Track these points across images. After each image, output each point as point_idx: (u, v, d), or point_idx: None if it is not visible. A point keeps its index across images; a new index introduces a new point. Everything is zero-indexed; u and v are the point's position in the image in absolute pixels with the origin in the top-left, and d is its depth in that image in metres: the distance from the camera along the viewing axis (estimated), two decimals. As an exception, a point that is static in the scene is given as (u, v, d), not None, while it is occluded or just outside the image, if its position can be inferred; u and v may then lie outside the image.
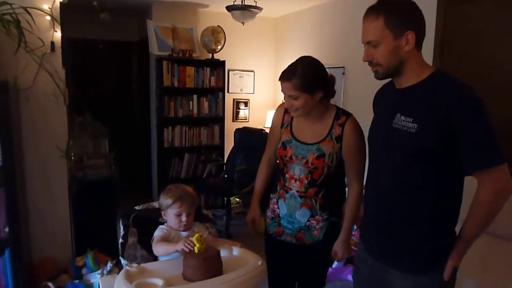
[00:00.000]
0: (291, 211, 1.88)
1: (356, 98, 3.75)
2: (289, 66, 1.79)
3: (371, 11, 1.41)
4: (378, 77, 1.48)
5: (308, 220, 1.86)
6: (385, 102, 1.60)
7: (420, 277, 1.43)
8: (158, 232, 1.79)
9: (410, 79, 1.42)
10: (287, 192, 1.89)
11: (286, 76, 1.77)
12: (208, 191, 4.49)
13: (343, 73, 3.88)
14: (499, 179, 1.30)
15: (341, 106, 3.67)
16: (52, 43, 2.65)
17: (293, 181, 1.86)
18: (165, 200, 1.80)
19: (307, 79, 1.74)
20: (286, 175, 1.89)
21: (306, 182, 1.83)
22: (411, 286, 1.44)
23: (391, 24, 1.36)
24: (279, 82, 1.81)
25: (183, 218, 1.78)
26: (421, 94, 1.39)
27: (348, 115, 1.86)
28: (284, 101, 1.86)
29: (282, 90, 1.81)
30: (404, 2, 1.39)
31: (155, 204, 2.01)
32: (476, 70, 2.80)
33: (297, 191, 1.85)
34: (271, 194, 2.01)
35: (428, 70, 1.42)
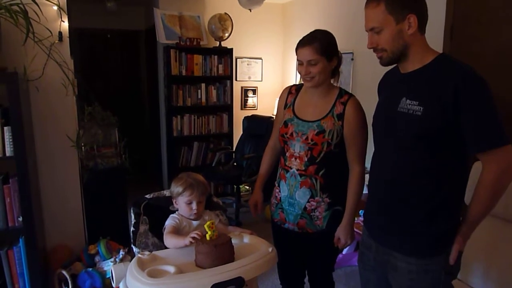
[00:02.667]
0: (291, 192, 1.89)
1: (365, 83, 3.72)
2: (307, 35, 1.82)
3: None
4: (383, 63, 1.49)
5: (308, 201, 1.86)
6: (390, 87, 1.60)
7: (424, 260, 1.44)
8: (169, 222, 1.79)
9: (415, 63, 1.43)
10: (287, 171, 1.91)
11: (307, 41, 1.79)
12: (218, 179, 4.51)
13: (352, 59, 3.84)
14: (503, 160, 1.30)
15: (349, 91, 3.65)
16: (60, 33, 2.65)
17: (293, 159, 1.87)
18: (176, 188, 1.81)
19: (327, 43, 1.79)
20: (287, 154, 1.91)
21: (306, 159, 1.84)
22: (415, 270, 1.45)
23: (392, 9, 1.37)
24: (294, 56, 1.88)
25: (194, 206, 1.79)
26: (426, 77, 1.39)
27: (351, 95, 1.89)
28: (299, 71, 1.86)
29: (300, 58, 1.82)
30: None
31: (166, 193, 2.02)
32: (485, 54, 2.76)
33: (297, 170, 1.86)
34: (275, 181, 2.02)
35: (433, 54, 1.42)
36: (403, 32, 1.38)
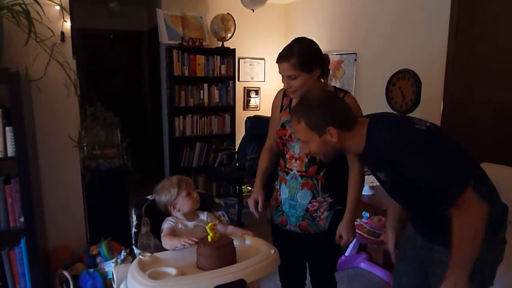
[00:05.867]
0: (292, 193, 1.88)
1: (368, 84, 3.70)
2: (285, 47, 1.81)
3: (293, 115, 1.55)
4: (325, 162, 1.68)
5: (310, 202, 1.85)
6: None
7: None
8: (166, 225, 1.83)
9: (356, 151, 1.51)
10: (287, 173, 1.89)
11: (284, 57, 1.78)
12: (220, 180, 4.50)
13: (355, 60, 3.82)
14: (465, 209, 1.30)
15: (353, 93, 3.63)
16: (62, 33, 2.64)
17: (293, 160, 1.86)
18: (169, 193, 1.85)
19: (304, 58, 1.76)
20: (286, 156, 1.89)
21: (306, 160, 1.83)
22: None
23: (312, 126, 1.49)
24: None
25: (194, 194, 1.88)
26: (370, 160, 1.50)
27: (346, 92, 1.88)
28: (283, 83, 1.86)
29: (280, 72, 1.82)
30: (317, 104, 1.47)
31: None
32: (490, 53, 2.75)
33: (298, 171, 1.85)
34: (275, 184, 2.01)
35: (363, 139, 1.46)
36: (329, 141, 1.48)
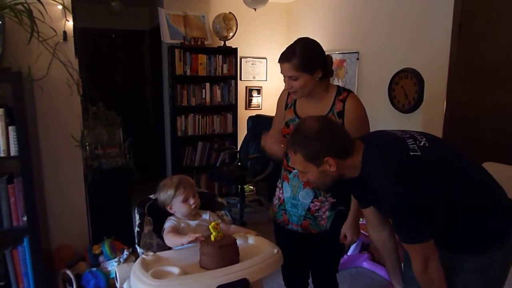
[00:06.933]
0: (295, 192, 1.87)
1: (371, 83, 3.68)
2: (287, 47, 1.79)
3: (289, 147, 1.51)
4: (325, 190, 1.75)
5: (312, 202, 1.84)
6: None
7: (483, 257, 1.46)
8: (168, 223, 1.81)
9: (354, 176, 1.50)
10: (290, 172, 1.89)
11: (285, 57, 1.77)
12: (222, 179, 4.49)
13: (357, 58, 3.81)
14: (419, 257, 1.39)
15: (355, 91, 3.62)
16: (65, 32, 2.64)
17: None
18: (166, 194, 1.82)
19: (306, 59, 1.74)
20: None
21: None
22: (479, 268, 1.47)
23: (308, 158, 1.45)
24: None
25: (191, 201, 1.81)
26: (364, 184, 1.49)
27: (349, 91, 1.86)
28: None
29: (281, 72, 1.82)
30: (313, 135, 1.44)
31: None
32: (493, 53, 2.74)
33: None
34: (278, 182, 2.01)
35: (358, 166, 1.46)
36: (327, 171, 1.45)
